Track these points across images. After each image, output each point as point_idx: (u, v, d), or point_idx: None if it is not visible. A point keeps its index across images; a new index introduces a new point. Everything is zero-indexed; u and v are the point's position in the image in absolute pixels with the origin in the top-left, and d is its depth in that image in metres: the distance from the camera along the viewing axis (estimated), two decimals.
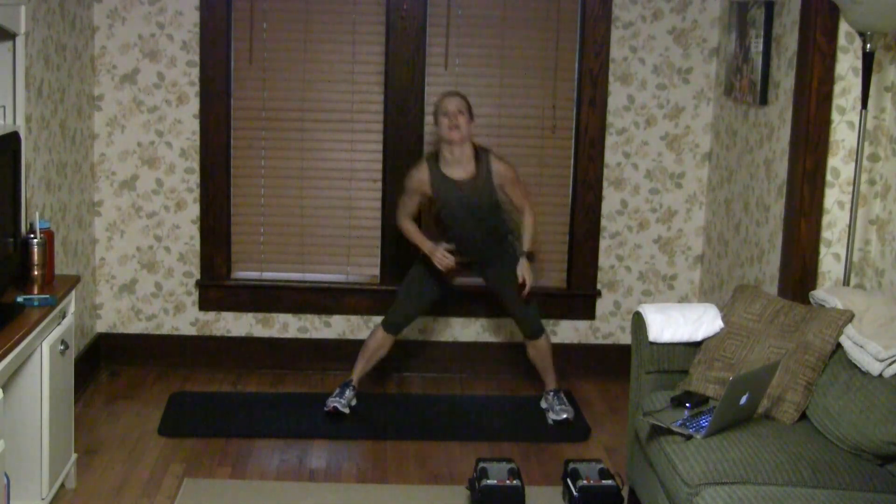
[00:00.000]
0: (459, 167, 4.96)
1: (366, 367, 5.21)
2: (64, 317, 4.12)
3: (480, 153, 5.01)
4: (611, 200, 5.68)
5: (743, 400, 3.59)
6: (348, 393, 5.13)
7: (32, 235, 4.09)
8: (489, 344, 5.75)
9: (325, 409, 5.07)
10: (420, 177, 5.02)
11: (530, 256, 5.13)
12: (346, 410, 5.08)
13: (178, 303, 5.69)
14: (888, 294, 4.13)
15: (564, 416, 5.11)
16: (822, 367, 3.79)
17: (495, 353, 5.75)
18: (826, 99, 4.27)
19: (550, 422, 5.11)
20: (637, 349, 4.15)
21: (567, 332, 5.77)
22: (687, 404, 3.77)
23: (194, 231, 5.62)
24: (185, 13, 5.45)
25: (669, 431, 3.64)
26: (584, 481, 4.14)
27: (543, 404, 5.24)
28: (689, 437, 3.57)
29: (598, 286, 5.74)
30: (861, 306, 3.84)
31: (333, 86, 5.55)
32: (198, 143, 5.54)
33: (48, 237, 4.14)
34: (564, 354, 5.75)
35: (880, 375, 3.57)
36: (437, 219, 5.17)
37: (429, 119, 5.39)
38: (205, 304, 5.68)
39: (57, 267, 4.49)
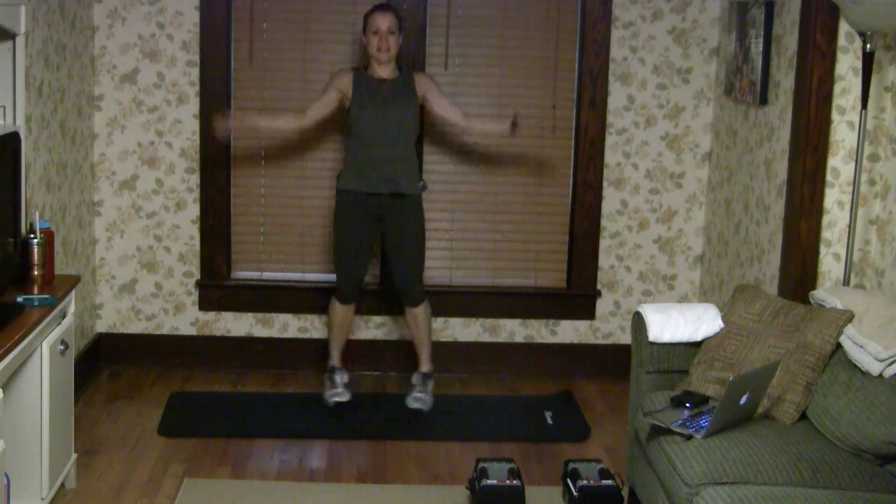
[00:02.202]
0: (382, 72, 4.95)
1: (340, 344, 5.18)
2: (64, 317, 4.12)
3: (403, 69, 5.01)
4: (611, 200, 5.68)
5: (743, 400, 3.59)
6: (338, 378, 5.13)
7: (32, 235, 4.09)
8: (489, 344, 5.75)
9: (329, 405, 5.06)
10: (342, 75, 4.97)
11: (514, 124, 5.02)
12: (348, 396, 5.08)
13: (178, 303, 5.69)
14: (888, 294, 4.13)
15: (417, 405, 5.07)
16: (822, 367, 3.79)
17: (495, 353, 5.75)
18: (826, 99, 4.27)
19: (408, 404, 5.08)
20: (637, 349, 4.15)
21: (567, 332, 5.77)
22: (687, 404, 3.77)
23: (194, 231, 5.62)
24: (185, 13, 5.45)
25: (669, 431, 3.64)
26: (584, 481, 4.14)
27: (413, 380, 5.19)
28: (689, 437, 3.57)
29: (598, 286, 5.74)
30: (861, 306, 3.83)
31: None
32: (198, 143, 5.54)
33: (48, 237, 4.14)
34: (564, 354, 5.75)
35: (880, 375, 3.58)
36: (347, 139, 5.02)
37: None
38: (205, 304, 5.68)
39: (57, 267, 4.49)
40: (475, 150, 5.62)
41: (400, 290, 5.14)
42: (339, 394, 5.08)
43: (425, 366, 5.21)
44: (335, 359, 5.19)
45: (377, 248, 5.34)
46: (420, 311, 5.14)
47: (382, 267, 5.55)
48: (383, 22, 4.87)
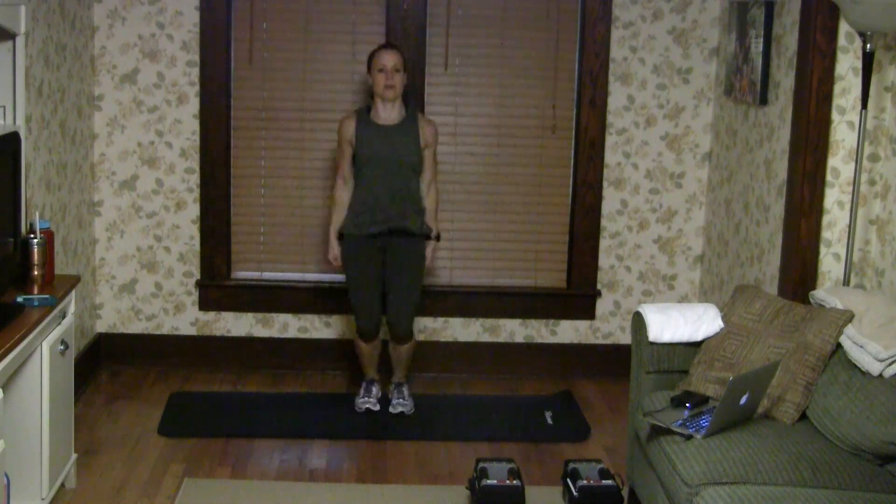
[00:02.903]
0: (387, 116, 4.93)
1: (371, 366, 5.24)
2: (64, 317, 4.12)
3: (410, 107, 4.99)
4: (611, 200, 5.68)
5: (743, 400, 3.59)
6: (374, 389, 5.21)
7: (32, 235, 4.09)
8: (489, 344, 5.75)
9: (359, 411, 5.15)
10: (347, 123, 4.95)
11: (438, 237, 5.06)
12: (377, 408, 5.16)
13: (178, 303, 5.69)
14: (888, 294, 4.13)
15: (400, 409, 5.14)
16: (822, 367, 3.79)
17: (495, 353, 5.75)
18: (826, 99, 4.27)
19: (392, 411, 5.13)
20: (637, 349, 4.15)
21: (567, 332, 5.77)
22: (687, 404, 3.77)
23: (194, 231, 5.62)
24: (185, 13, 5.45)
25: (669, 431, 3.64)
26: (584, 481, 4.14)
27: (390, 391, 5.25)
28: (689, 437, 3.57)
29: (598, 286, 5.74)
30: (861, 306, 3.83)
31: (333, 86, 5.55)
32: (198, 143, 5.54)
33: (48, 237, 4.14)
34: (564, 354, 5.75)
35: (880, 375, 3.58)
36: (354, 178, 4.97)
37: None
38: (205, 304, 5.68)
39: (57, 267, 4.49)
40: (475, 150, 5.62)
41: (389, 326, 5.14)
42: (371, 403, 5.16)
43: (398, 376, 5.26)
44: (372, 372, 5.25)
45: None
46: (404, 349, 5.19)
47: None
48: (389, 60, 4.85)
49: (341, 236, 5.02)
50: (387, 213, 4.91)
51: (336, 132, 5.08)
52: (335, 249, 5.05)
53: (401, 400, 5.18)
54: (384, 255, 5.01)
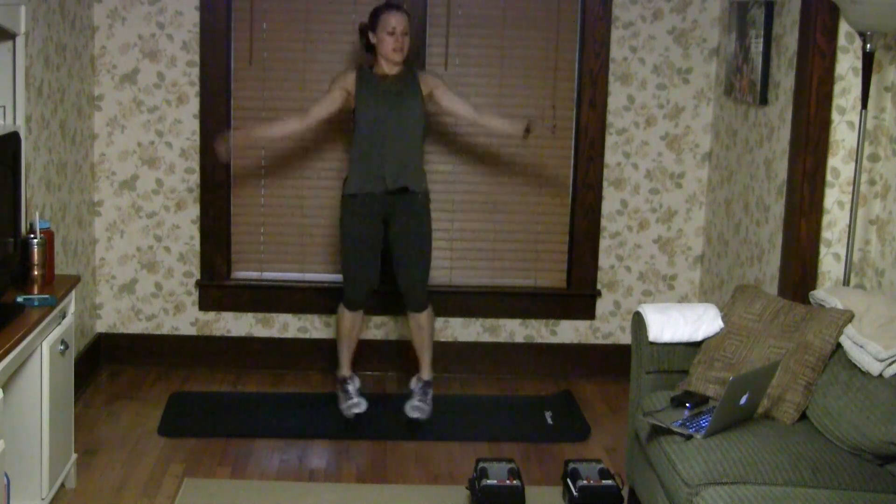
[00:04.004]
0: (389, 70, 4.86)
1: (350, 352, 5.10)
2: (64, 317, 4.12)
3: (408, 65, 4.92)
4: (611, 200, 5.68)
5: (743, 400, 3.59)
6: (350, 388, 5.09)
7: (32, 235, 4.09)
8: (489, 344, 5.75)
9: (348, 417, 5.01)
10: (347, 73, 4.90)
11: (528, 129, 4.93)
12: (365, 405, 5.03)
13: (178, 303, 5.69)
14: (888, 294, 4.13)
15: (416, 415, 5.00)
16: (822, 367, 3.79)
17: (495, 353, 5.75)
18: (826, 99, 4.27)
19: (407, 413, 5.02)
20: (637, 349, 4.15)
21: (567, 332, 5.77)
22: (687, 404, 3.77)
23: (194, 231, 5.62)
24: (185, 13, 5.45)
25: (669, 431, 3.64)
26: (584, 481, 4.14)
27: (412, 384, 5.13)
28: (689, 437, 3.57)
29: (598, 286, 5.74)
30: (861, 306, 3.83)
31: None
32: (198, 143, 5.54)
33: (48, 237, 4.14)
34: (564, 354, 5.75)
35: (880, 375, 3.58)
36: (353, 141, 4.91)
37: None
38: (205, 304, 5.68)
39: (57, 267, 4.49)
40: (475, 150, 5.62)
41: (404, 294, 5.03)
42: (356, 404, 5.01)
43: (426, 373, 5.12)
44: (345, 368, 5.10)
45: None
46: (424, 317, 5.04)
47: (383, 267, 5.54)
48: (399, 22, 4.77)
49: (342, 198, 4.92)
50: (389, 170, 4.81)
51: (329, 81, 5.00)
52: (228, 143, 5.04)
53: (421, 404, 5.03)
54: (386, 222, 4.91)
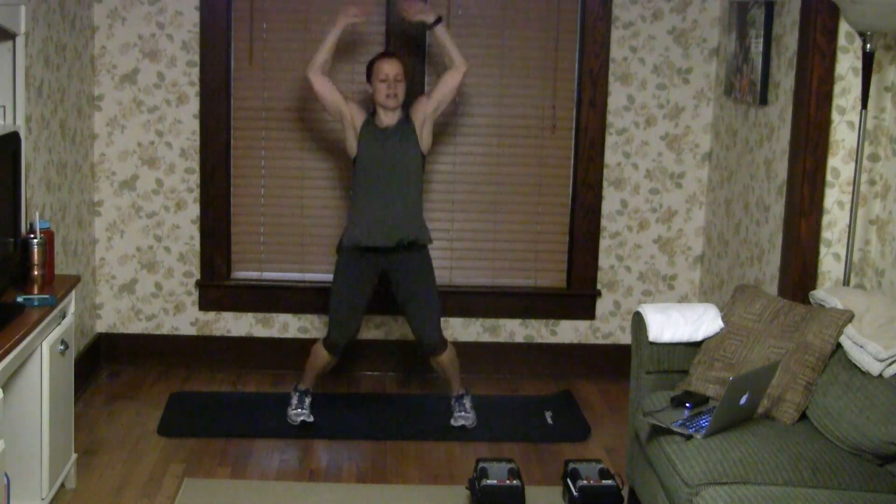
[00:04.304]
0: (388, 122, 4.85)
1: (314, 380, 5.07)
2: (64, 317, 4.12)
3: (405, 111, 4.90)
4: (611, 200, 5.68)
5: (743, 400, 3.59)
6: (307, 400, 5.04)
7: (32, 235, 4.09)
8: (489, 344, 5.75)
9: (294, 424, 4.98)
10: (361, 109, 4.88)
11: (437, 21, 4.89)
12: (312, 417, 5.01)
13: (178, 303, 5.69)
14: (888, 294, 4.13)
15: (462, 423, 5.01)
16: (822, 367, 3.79)
17: (495, 353, 5.75)
18: (826, 99, 4.27)
19: (454, 424, 5.02)
20: (637, 349, 4.15)
21: (567, 332, 5.77)
22: (687, 404, 3.77)
23: (194, 231, 5.62)
24: (185, 13, 5.45)
25: (669, 431, 3.64)
26: (584, 481, 4.14)
27: (452, 404, 5.11)
28: (689, 437, 3.57)
29: (598, 286, 5.74)
30: (861, 306, 3.83)
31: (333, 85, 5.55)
32: (198, 143, 5.54)
33: (48, 237, 4.14)
34: (564, 354, 5.75)
35: (880, 375, 3.58)
36: (352, 193, 4.91)
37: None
38: (205, 304, 5.68)
39: (57, 267, 4.49)
40: (475, 150, 5.62)
41: (419, 341, 5.01)
42: (305, 415, 4.99)
43: (456, 390, 5.10)
44: (309, 383, 5.07)
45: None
46: (444, 358, 5.01)
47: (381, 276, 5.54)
48: (391, 69, 4.77)
49: (340, 248, 4.92)
50: (388, 224, 4.81)
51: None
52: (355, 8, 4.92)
53: (462, 413, 5.03)
54: (386, 272, 4.91)
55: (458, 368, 5.09)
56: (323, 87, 4.88)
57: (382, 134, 4.84)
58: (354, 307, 4.93)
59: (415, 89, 5.40)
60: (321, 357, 5.00)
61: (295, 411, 5.03)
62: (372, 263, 4.88)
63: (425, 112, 4.91)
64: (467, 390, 5.13)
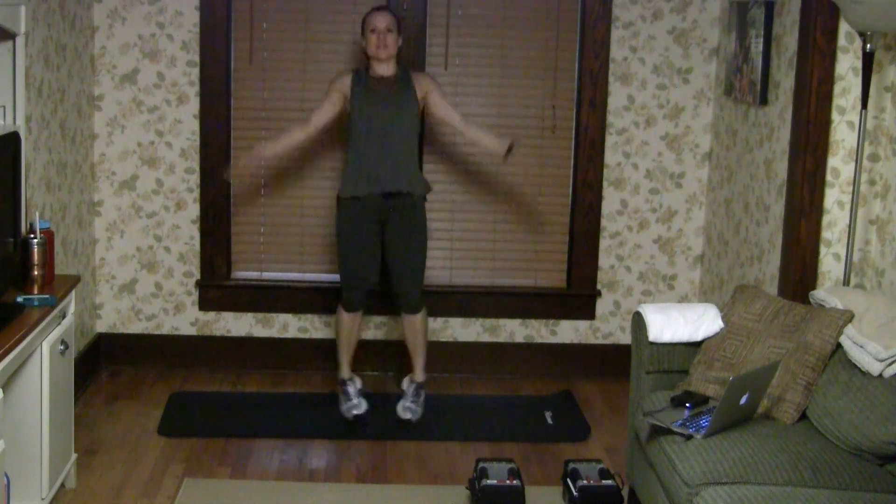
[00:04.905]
0: (382, 70, 4.88)
1: (349, 353, 5.10)
2: (64, 317, 4.12)
3: (401, 66, 4.94)
4: (611, 200, 5.68)
5: (743, 400, 3.59)
6: (350, 389, 5.08)
7: (32, 235, 4.09)
8: (489, 344, 5.75)
9: (348, 419, 5.00)
10: (343, 76, 4.92)
11: (511, 148, 4.95)
12: (365, 406, 5.03)
13: (178, 303, 5.69)
14: (888, 294, 4.13)
15: (408, 416, 4.99)
16: (822, 367, 3.79)
17: (495, 353, 5.75)
18: (826, 99, 4.27)
19: (399, 413, 5.01)
20: (637, 349, 4.15)
21: (567, 332, 5.77)
22: (687, 404, 3.77)
23: (194, 231, 5.62)
24: (185, 13, 5.45)
25: (669, 431, 3.64)
26: (584, 481, 4.14)
27: (404, 385, 5.14)
28: (689, 437, 3.57)
29: (598, 286, 5.74)
30: (861, 306, 3.84)
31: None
32: (198, 143, 5.54)
33: (48, 237, 4.14)
34: (564, 354, 5.75)
35: (880, 375, 3.58)
36: (348, 144, 4.92)
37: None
38: (205, 304, 5.68)
39: (57, 267, 4.49)
40: (475, 150, 5.62)
41: (398, 296, 5.04)
42: (356, 406, 5.01)
43: (419, 375, 5.14)
44: (345, 370, 5.10)
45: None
46: (417, 319, 5.06)
47: (382, 268, 5.54)
48: (381, 21, 4.83)
49: (338, 200, 4.94)
50: (384, 173, 4.82)
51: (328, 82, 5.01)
52: (240, 166, 5.13)
53: (413, 405, 5.03)
54: (383, 223, 4.92)
55: (426, 344, 5.10)
56: (324, 118, 4.94)
57: (376, 83, 4.86)
58: (360, 259, 4.93)
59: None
60: (342, 320, 5.02)
61: (345, 406, 5.03)
62: (368, 212, 4.89)
63: (427, 92, 4.92)
64: (425, 382, 5.14)
